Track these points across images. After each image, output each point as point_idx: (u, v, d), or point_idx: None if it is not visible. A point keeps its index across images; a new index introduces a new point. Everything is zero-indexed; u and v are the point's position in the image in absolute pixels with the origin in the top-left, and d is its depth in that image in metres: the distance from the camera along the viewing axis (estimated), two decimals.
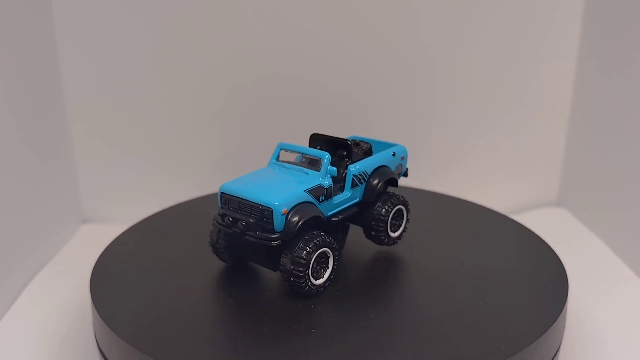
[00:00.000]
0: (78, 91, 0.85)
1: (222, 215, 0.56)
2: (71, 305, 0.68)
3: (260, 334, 0.50)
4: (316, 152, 0.57)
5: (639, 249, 0.75)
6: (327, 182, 0.56)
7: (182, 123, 0.88)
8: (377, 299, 0.55)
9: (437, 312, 0.53)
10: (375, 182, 0.60)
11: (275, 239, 0.52)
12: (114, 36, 0.83)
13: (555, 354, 0.54)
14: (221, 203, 0.56)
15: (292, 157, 0.60)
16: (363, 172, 0.59)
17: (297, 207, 0.53)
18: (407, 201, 0.63)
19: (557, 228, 0.86)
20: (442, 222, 0.72)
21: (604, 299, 0.69)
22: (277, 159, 0.60)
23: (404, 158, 0.64)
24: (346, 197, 0.58)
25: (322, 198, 0.56)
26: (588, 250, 0.81)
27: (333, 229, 0.58)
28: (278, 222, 0.52)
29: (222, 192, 0.56)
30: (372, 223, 0.61)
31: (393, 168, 0.62)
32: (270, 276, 0.59)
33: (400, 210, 0.63)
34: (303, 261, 0.52)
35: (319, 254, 0.54)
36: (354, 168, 0.58)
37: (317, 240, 0.53)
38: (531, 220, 0.81)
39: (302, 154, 0.59)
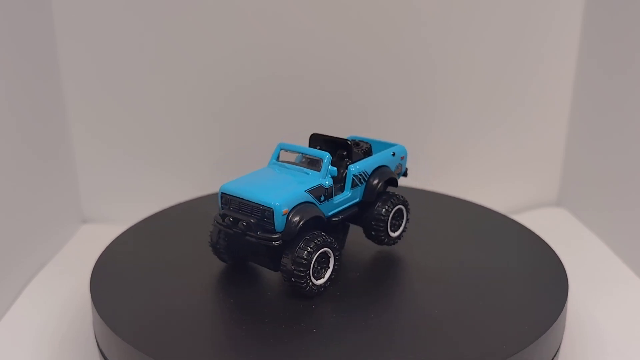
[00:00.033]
0: (78, 91, 0.85)
1: (223, 216, 0.56)
2: (71, 305, 0.68)
3: (260, 334, 0.50)
4: (316, 152, 0.57)
5: (639, 249, 0.75)
6: (327, 182, 0.56)
7: (182, 123, 0.88)
8: (378, 299, 0.55)
9: (437, 312, 0.53)
10: (375, 182, 0.60)
11: (276, 239, 0.52)
12: (114, 36, 0.83)
13: (555, 354, 0.54)
14: (222, 203, 0.56)
15: (292, 157, 0.60)
16: (363, 172, 0.59)
17: (298, 207, 0.53)
18: (407, 201, 0.63)
19: (557, 228, 0.86)
20: (442, 222, 0.72)
21: (604, 299, 0.69)
22: (277, 159, 0.60)
23: (403, 158, 0.64)
24: (346, 197, 0.58)
25: (322, 198, 0.56)
26: (588, 250, 0.81)
27: (333, 229, 0.58)
28: (279, 222, 0.52)
29: (222, 193, 0.56)
30: (372, 223, 0.61)
31: (393, 168, 0.62)
32: (271, 276, 0.59)
33: (400, 210, 0.63)
34: (304, 261, 0.52)
35: (319, 254, 0.54)
36: (354, 168, 0.58)
37: (318, 241, 0.53)
38: (531, 220, 0.81)
39: (302, 154, 0.59)
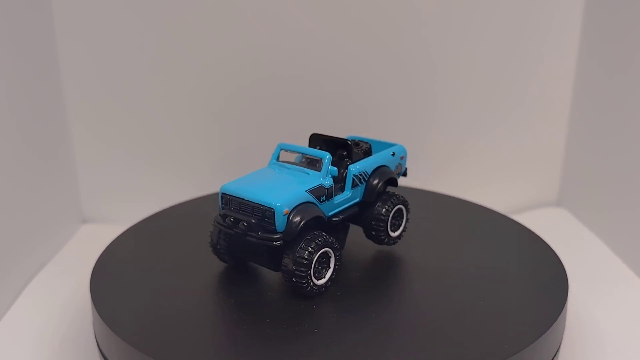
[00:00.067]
0: (78, 91, 0.85)
1: (223, 216, 0.56)
2: (71, 305, 0.68)
3: (261, 335, 0.50)
4: (317, 152, 0.57)
5: (639, 249, 0.76)
6: (328, 182, 0.56)
7: (182, 123, 0.88)
8: (378, 298, 0.55)
9: (437, 312, 0.53)
10: (376, 182, 0.60)
11: (277, 240, 0.52)
12: (114, 36, 0.83)
13: (555, 354, 0.54)
14: (222, 204, 0.56)
15: (292, 157, 0.60)
16: (363, 172, 0.59)
17: (299, 208, 0.53)
18: (407, 201, 0.63)
19: (557, 228, 0.86)
20: (442, 222, 0.72)
21: (604, 299, 0.69)
22: (278, 159, 0.60)
23: (403, 158, 0.64)
24: (347, 197, 0.58)
25: (323, 198, 0.56)
26: (588, 250, 0.82)
27: (334, 229, 0.58)
28: (280, 223, 0.52)
29: (223, 193, 0.56)
30: (373, 223, 0.61)
31: (392, 168, 0.62)
32: (271, 276, 0.59)
33: (400, 210, 0.63)
34: (305, 261, 0.52)
35: (320, 254, 0.54)
36: (354, 168, 0.58)
37: (319, 241, 0.53)
38: (531, 220, 0.81)
39: (303, 154, 0.59)
